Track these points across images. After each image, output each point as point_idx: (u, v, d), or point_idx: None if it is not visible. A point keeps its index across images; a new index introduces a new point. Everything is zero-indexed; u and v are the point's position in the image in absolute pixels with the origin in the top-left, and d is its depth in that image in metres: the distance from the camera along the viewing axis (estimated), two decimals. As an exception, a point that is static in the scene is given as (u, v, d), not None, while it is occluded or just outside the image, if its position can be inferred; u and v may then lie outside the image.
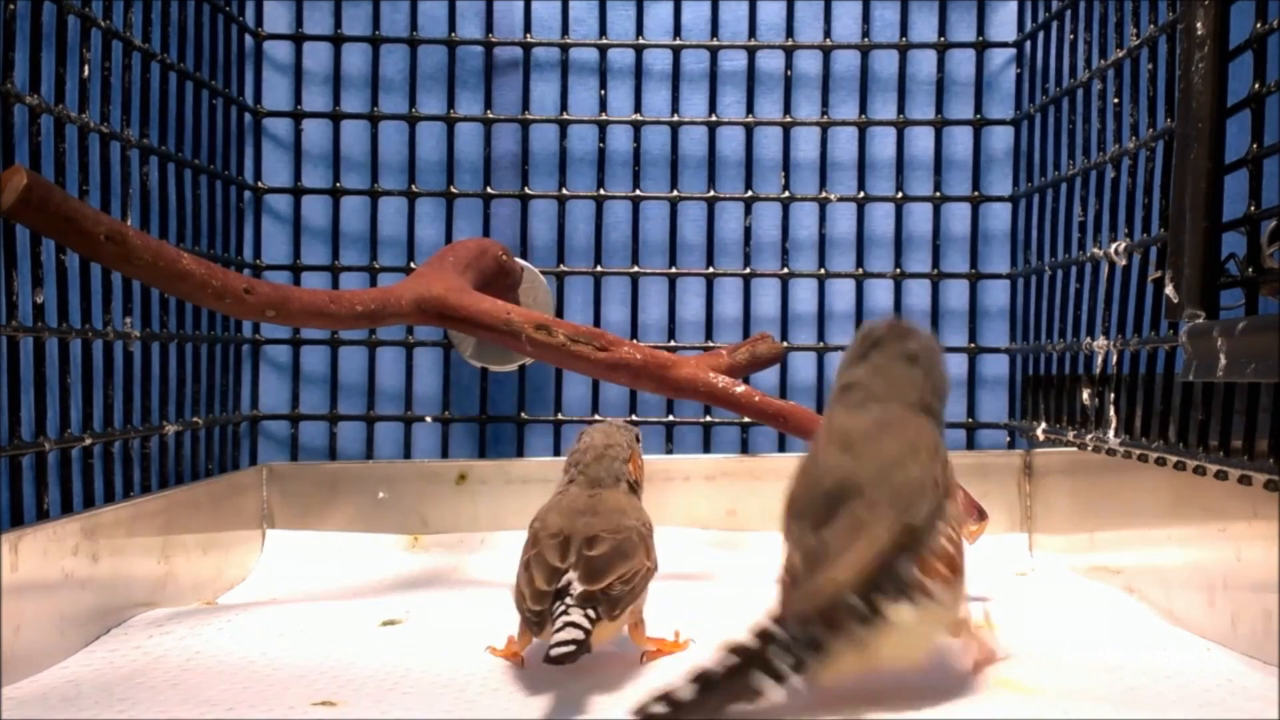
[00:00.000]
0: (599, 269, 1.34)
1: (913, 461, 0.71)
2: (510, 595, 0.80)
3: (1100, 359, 1.05)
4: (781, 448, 1.32)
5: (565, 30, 1.34)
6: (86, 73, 0.93)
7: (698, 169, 1.36)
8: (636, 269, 1.35)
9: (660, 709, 0.62)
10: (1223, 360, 0.75)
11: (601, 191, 1.35)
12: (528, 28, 1.34)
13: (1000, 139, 1.37)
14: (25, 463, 0.83)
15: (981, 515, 1.00)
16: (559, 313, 1.33)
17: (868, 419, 0.73)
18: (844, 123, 1.35)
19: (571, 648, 0.70)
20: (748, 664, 0.64)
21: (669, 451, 1.33)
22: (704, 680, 0.63)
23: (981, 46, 1.35)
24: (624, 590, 0.77)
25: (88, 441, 0.91)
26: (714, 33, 1.35)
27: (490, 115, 1.34)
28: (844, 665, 0.66)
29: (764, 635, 0.65)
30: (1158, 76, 0.98)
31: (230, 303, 0.88)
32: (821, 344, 1.35)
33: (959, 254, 1.36)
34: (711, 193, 1.35)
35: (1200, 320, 0.80)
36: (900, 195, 1.35)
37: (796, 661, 0.64)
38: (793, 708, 0.68)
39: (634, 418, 1.32)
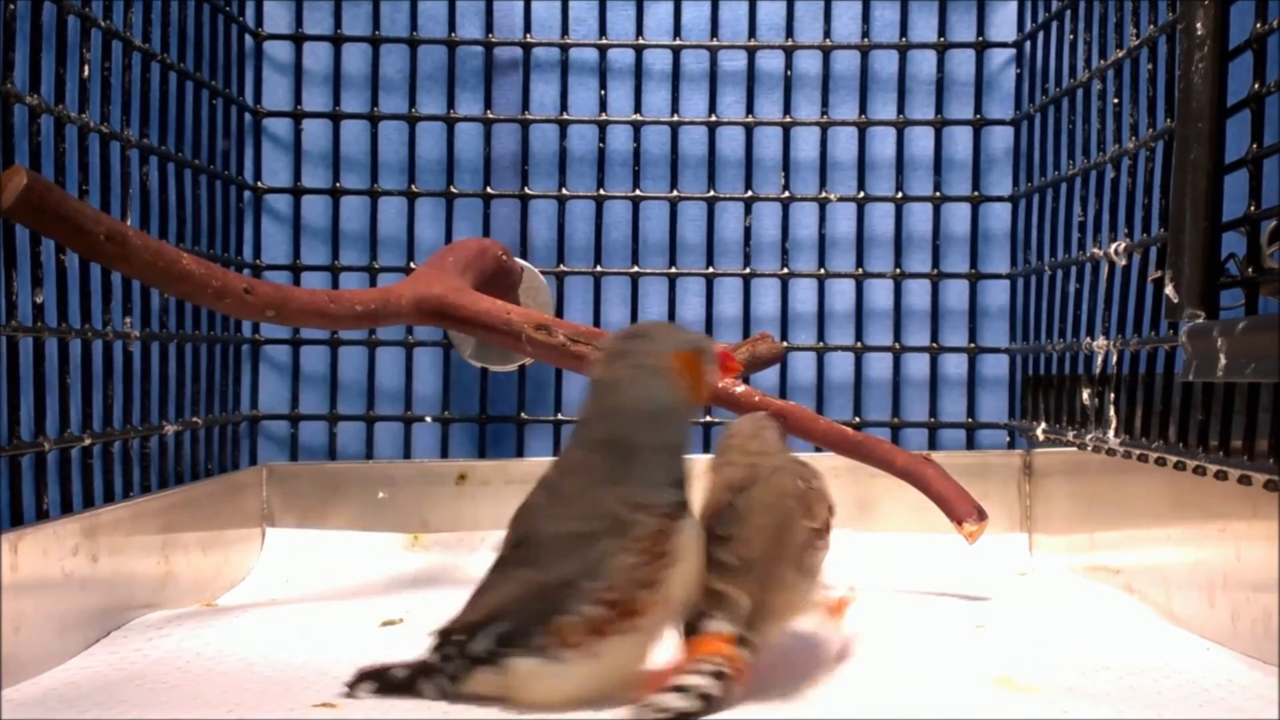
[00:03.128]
0: (599, 269, 1.34)
1: (564, 516, 0.69)
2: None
3: (1100, 359, 1.05)
4: (781, 448, 1.32)
5: (565, 30, 1.34)
6: (86, 73, 0.93)
7: (698, 169, 1.36)
8: (636, 269, 1.34)
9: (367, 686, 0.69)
10: (1223, 360, 0.75)
11: (601, 191, 1.35)
12: (528, 28, 1.34)
13: (1000, 139, 1.37)
14: (25, 463, 0.83)
15: (981, 515, 1.00)
16: (559, 313, 1.33)
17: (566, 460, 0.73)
18: (844, 123, 1.35)
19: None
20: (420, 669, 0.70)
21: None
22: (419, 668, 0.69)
23: (981, 46, 1.35)
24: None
25: (87, 441, 0.91)
26: (714, 33, 1.35)
27: (490, 115, 1.34)
28: (482, 689, 0.69)
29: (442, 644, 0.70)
30: (1158, 76, 0.98)
31: (230, 303, 0.88)
32: (821, 344, 1.35)
33: (959, 254, 1.36)
34: (711, 193, 1.35)
35: (1200, 320, 0.80)
36: (900, 195, 1.35)
37: (451, 675, 0.69)
38: (787, 705, 0.68)
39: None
